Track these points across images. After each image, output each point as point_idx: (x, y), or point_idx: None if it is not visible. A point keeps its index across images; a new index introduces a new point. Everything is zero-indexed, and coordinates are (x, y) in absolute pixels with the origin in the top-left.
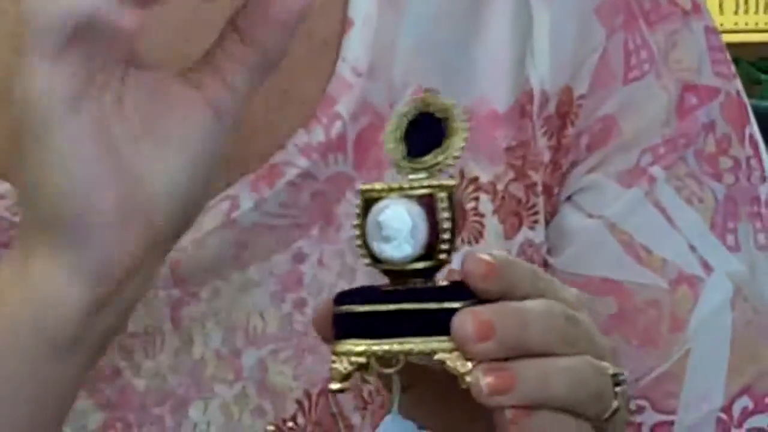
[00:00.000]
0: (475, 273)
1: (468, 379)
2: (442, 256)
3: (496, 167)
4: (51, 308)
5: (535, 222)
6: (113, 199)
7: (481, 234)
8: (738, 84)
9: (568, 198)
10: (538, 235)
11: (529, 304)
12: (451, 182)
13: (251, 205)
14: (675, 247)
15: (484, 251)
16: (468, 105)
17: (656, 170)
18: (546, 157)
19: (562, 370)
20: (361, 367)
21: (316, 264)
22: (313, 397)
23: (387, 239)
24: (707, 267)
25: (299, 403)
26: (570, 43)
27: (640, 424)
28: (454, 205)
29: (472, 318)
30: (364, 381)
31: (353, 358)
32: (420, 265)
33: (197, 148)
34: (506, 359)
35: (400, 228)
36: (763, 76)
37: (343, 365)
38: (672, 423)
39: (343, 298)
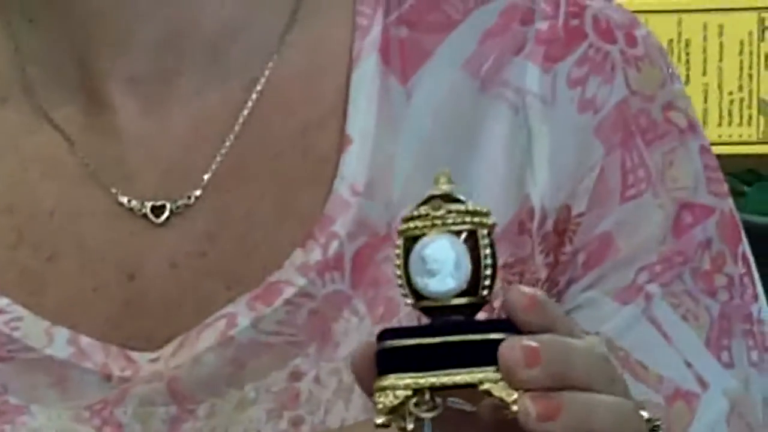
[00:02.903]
0: (518, 304)
1: (515, 407)
2: (485, 292)
3: None
4: None
5: None
6: None
7: None
8: (731, 202)
9: None
10: None
11: (572, 339)
12: (491, 220)
13: (249, 323)
14: (671, 363)
15: None
16: None
17: (653, 288)
18: (543, 274)
19: (605, 405)
20: (399, 407)
21: (312, 382)
22: None
23: (431, 273)
24: (703, 383)
25: None
26: (569, 160)
27: None
28: (493, 242)
29: (519, 345)
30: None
31: (398, 392)
32: (462, 300)
33: None
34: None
35: (444, 261)
36: (746, 188)
37: (388, 399)
38: None
39: (386, 333)
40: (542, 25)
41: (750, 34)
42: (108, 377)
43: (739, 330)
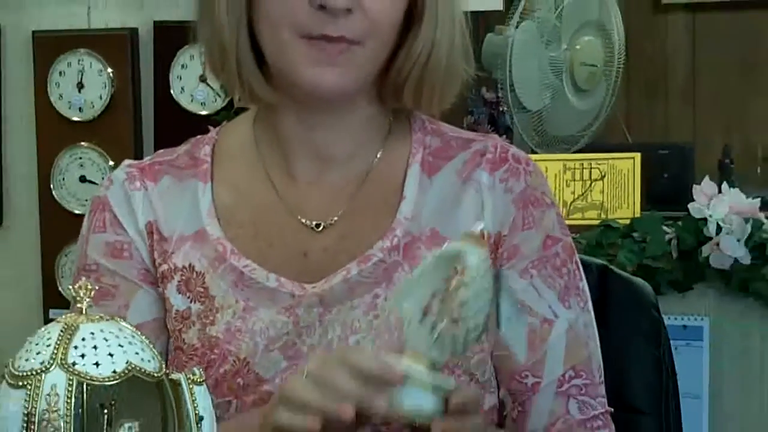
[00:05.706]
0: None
1: None
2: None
3: None
4: None
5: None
6: None
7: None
8: (570, 239)
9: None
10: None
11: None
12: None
13: (356, 272)
14: (543, 307)
15: None
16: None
17: (534, 271)
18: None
19: None
20: None
21: (383, 299)
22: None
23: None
24: (557, 316)
25: None
26: (500, 213)
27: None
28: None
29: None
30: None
31: None
32: None
33: None
34: None
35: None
36: None
37: None
38: (539, 383)
39: None
40: (490, 156)
41: (559, 171)
42: (293, 295)
43: (574, 293)
